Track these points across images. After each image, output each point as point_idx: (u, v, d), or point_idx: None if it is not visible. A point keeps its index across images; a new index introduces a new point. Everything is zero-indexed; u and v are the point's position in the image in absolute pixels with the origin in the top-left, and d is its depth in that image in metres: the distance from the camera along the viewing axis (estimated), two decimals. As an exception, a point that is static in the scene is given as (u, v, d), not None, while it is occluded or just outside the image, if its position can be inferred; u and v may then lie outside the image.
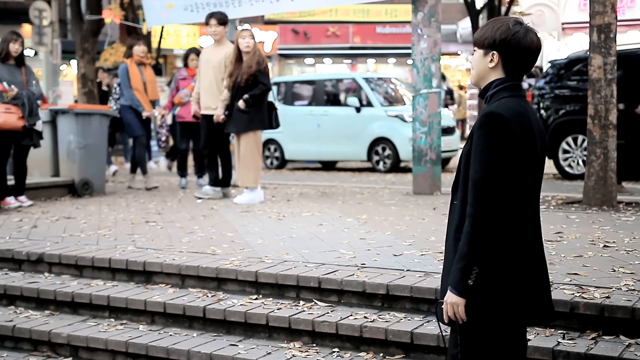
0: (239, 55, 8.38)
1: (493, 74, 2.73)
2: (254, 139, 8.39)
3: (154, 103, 10.40)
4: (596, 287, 4.25)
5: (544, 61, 21.50)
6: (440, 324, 2.76)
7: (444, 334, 3.07)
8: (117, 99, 11.83)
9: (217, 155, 9.01)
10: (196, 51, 10.79)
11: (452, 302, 2.63)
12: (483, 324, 2.67)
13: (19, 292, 5.50)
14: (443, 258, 2.86)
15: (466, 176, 2.66)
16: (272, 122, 8.68)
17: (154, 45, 20.23)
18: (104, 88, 15.40)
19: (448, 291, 2.64)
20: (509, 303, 2.65)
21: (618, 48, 7.55)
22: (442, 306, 2.69)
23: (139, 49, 10.10)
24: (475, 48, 2.78)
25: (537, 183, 2.74)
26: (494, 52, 2.70)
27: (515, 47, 2.68)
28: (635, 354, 3.68)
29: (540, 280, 2.73)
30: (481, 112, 2.68)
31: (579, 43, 21.06)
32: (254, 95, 8.25)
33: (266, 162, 15.36)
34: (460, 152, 3.53)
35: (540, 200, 8.99)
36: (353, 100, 14.46)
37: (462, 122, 22.83)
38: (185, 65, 10.75)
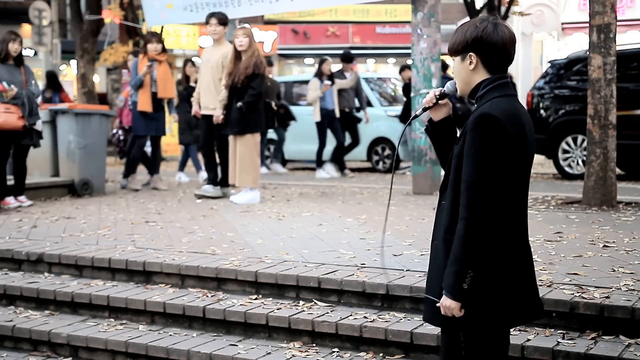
0: (237, 54, 8.38)
1: (477, 76, 2.74)
2: (252, 140, 8.39)
3: (168, 102, 10.32)
4: (596, 287, 4.25)
5: (543, 61, 21.51)
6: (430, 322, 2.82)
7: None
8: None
9: (215, 155, 9.01)
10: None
11: (447, 305, 2.63)
12: (478, 326, 2.67)
13: (19, 292, 5.50)
14: (429, 257, 2.85)
15: (456, 177, 2.66)
16: (269, 122, 8.70)
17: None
18: (192, 84, 12.32)
19: (443, 295, 2.64)
20: (502, 304, 2.66)
21: (618, 48, 7.54)
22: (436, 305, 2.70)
23: (151, 47, 10.08)
24: (453, 58, 2.78)
25: (526, 183, 2.74)
26: (470, 53, 2.71)
27: (488, 43, 2.69)
28: (635, 354, 3.68)
29: (529, 278, 2.75)
30: (473, 113, 2.66)
31: (578, 43, 21.04)
32: (246, 102, 8.25)
33: (266, 162, 15.35)
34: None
35: (540, 200, 8.86)
36: (353, 100, 14.42)
37: None
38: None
